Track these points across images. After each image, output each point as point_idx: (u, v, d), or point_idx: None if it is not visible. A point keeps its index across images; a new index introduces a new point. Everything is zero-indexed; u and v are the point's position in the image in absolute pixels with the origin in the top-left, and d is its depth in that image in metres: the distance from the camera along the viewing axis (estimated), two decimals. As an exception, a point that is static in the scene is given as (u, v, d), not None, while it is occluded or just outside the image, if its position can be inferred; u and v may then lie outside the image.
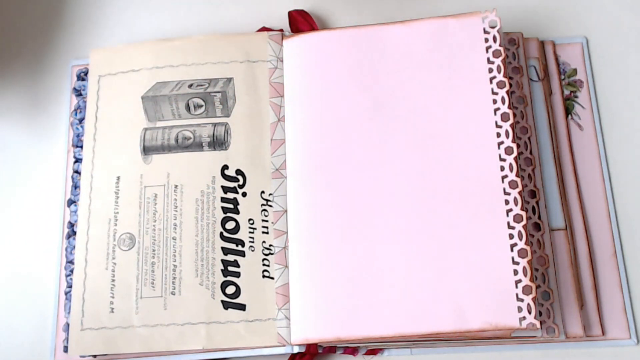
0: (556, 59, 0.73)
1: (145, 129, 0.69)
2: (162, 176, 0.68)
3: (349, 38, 0.69)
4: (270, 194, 0.67)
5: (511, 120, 0.63)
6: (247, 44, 0.71)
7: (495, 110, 0.64)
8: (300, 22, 0.73)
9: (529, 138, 0.68)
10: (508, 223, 0.61)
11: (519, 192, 0.62)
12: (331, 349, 0.65)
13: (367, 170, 0.65)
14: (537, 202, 0.67)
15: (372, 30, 0.69)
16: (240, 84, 0.69)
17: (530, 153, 0.68)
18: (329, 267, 0.63)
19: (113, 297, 0.65)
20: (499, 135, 0.64)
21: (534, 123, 0.69)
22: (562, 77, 0.73)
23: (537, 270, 0.65)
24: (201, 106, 0.69)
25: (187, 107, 0.69)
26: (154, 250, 0.66)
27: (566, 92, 0.72)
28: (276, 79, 0.69)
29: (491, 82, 0.65)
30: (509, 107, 0.64)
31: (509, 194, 0.62)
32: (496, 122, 0.64)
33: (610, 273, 0.67)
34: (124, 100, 0.70)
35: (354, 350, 0.66)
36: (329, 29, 0.71)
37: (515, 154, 0.63)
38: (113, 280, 0.66)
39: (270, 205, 0.66)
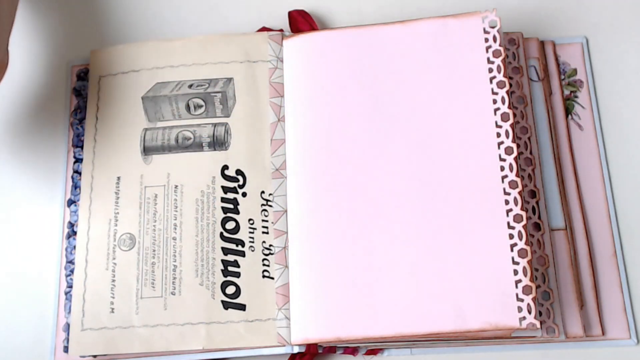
0: (556, 59, 0.73)
1: (146, 129, 0.69)
2: (162, 176, 0.68)
3: (349, 38, 0.69)
4: (270, 194, 0.67)
5: (511, 120, 0.63)
6: (247, 44, 0.71)
7: (495, 110, 0.64)
8: (300, 22, 0.73)
9: (529, 138, 0.68)
10: (508, 223, 0.61)
11: (519, 192, 0.62)
12: (331, 349, 0.65)
13: (367, 170, 0.65)
14: (537, 202, 0.67)
15: (372, 30, 0.69)
16: (240, 84, 0.69)
17: (530, 153, 0.68)
18: (329, 267, 0.63)
19: (113, 298, 0.65)
20: (499, 135, 0.63)
21: (534, 123, 0.69)
22: (562, 77, 0.73)
23: (537, 270, 0.65)
24: (201, 106, 0.69)
25: (187, 108, 0.69)
26: (154, 251, 0.66)
27: (566, 92, 0.72)
28: (276, 79, 0.69)
29: (491, 82, 0.65)
30: (509, 107, 0.64)
31: (509, 194, 0.62)
32: (496, 122, 0.64)
33: (610, 273, 0.67)
34: (124, 100, 0.70)
35: (354, 350, 0.66)
36: (329, 29, 0.71)
37: (515, 154, 0.63)
38: (113, 281, 0.66)
39: (270, 205, 0.66)
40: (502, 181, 0.62)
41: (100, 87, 0.71)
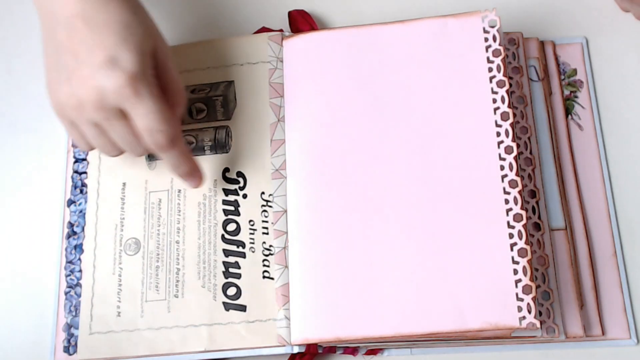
0: (556, 59, 0.73)
1: None
2: (166, 181, 0.68)
3: (349, 38, 0.69)
4: (270, 195, 0.67)
5: (511, 120, 0.63)
6: (248, 46, 0.70)
7: (495, 109, 0.64)
8: (300, 22, 0.73)
9: (529, 138, 0.68)
10: (508, 222, 0.61)
11: (519, 192, 0.62)
12: (331, 349, 0.65)
13: (367, 170, 0.65)
14: (537, 202, 0.67)
15: (372, 29, 0.69)
16: (241, 87, 0.69)
17: (530, 153, 0.68)
18: (328, 267, 0.63)
19: (120, 302, 0.66)
20: (498, 134, 0.63)
21: (534, 123, 0.69)
22: (562, 77, 0.73)
23: (537, 270, 0.65)
24: (203, 110, 0.69)
25: (190, 112, 0.69)
26: (158, 255, 0.66)
27: (566, 92, 0.72)
28: (276, 80, 0.69)
29: (491, 82, 0.65)
30: (509, 107, 0.64)
31: (508, 193, 0.62)
32: (496, 122, 0.64)
33: (610, 273, 0.67)
34: None
35: (354, 350, 0.66)
36: (329, 29, 0.71)
37: (515, 153, 0.62)
38: (120, 285, 0.66)
39: (270, 206, 0.66)
40: (502, 180, 0.62)
41: None
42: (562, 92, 0.72)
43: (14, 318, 0.69)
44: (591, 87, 0.72)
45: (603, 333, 0.65)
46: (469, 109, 0.65)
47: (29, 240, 0.71)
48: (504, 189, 0.62)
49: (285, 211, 0.66)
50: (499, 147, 0.63)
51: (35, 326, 0.68)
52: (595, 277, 0.67)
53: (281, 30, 0.71)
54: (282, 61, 0.70)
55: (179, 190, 0.68)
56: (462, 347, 0.66)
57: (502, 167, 0.63)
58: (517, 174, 0.62)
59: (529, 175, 0.67)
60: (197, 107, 0.69)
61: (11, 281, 0.70)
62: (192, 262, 0.66)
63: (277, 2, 0.76)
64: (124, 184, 0.69)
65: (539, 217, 0.66)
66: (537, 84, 0.71)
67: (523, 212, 0.61)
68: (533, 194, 0.67)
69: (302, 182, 0.66)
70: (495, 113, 0.64)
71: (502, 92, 0.64)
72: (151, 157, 0.69)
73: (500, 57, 0.65)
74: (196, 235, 0.66)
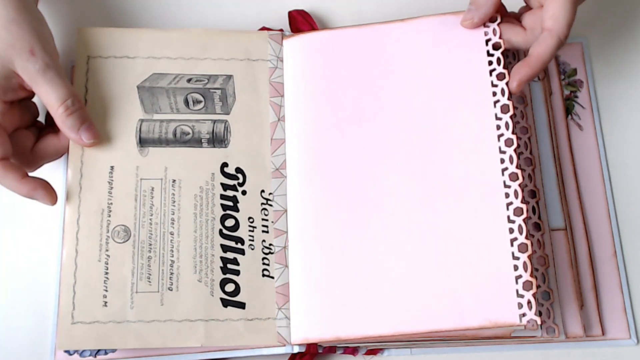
0: (556, 58, 0.73)
1: (142, 120, 0.68)
2: (160, 170, 0.66)
3: (349, 38, 0.69)
4: (270, 194, 0.66)
5: (511, 112, 0.63)
6: (248, 42, 0.70)
7: (495, 102, 0.64)
8: (300, 22, 0.73)
9: (529, 138, 0.68)
10: (508, 217, 0.61)
11: (520, 184, 0.61)
12: (331, 349, 0.65)
13: (367, 169, 0.65)
14: (537, 202, 0.67)
15: (372, 29, 0.69)
16: (240, 82, 0.69)
17: (530, 153, 0.68)
18: (329, 267, 0.63)
19: (106, 291, 0.63)
20: (498, 127, 0.63)
21: (534, 123, 0.69)
22: (562, 77, 0.73)
23: (537, 270, 0.65)
24: (200, 102, 0.68)
25: (186, 102, 0.68)
26: (150, 245, 0.65)
27: (566, 92, 0.72)
28: (276, 79, 0.69)
29: (491, 75, 0.65)
30: (509, 99, 0.63)
31: (509, 186, 0.61)
32: (496, 115, 0.63)
33: (610, 273, 0.67)
34: (117, 86, 0.68)
35: (354, 350, 0.65)
36: (329, 29, 0.71)
37: (515, 145, 0.62)
38: (107, 273, 0.64)
39: (270, 205, 0.66)
40: (502, 174, 0.62)
41: (89, 67, 0.69)
42: (562, 92, 0.72)
43: (15, 317, 0.69)
44: (591, 87, 0.72)
45: (603, 333, 0.65)
46: (469, 103, 0.65)
47: (29, 240, 0.71)
48: (504, 182, 0.61)
49: (286, 211, 0.66)
50: (499, 140, 0.63)
51: (35, 325, 0.68)
52: (595, 277, 0.66)
53: (281, 30, 0.72)
54: (282, 60, 0.70)
55: (174, 181, 0.66)
56: (462, 347, 0.65)
57: (502, 161, 0.62)
58: (517, 167, 0.62)
59: (529, 175, 0.67)
60: (194, 97, 0.68)
61: (11, 281, 0.70)
62: (187, 255, 0.65)
63: (277, 2, 0.77)
64: (112, 167, 0.66)
65: (539, 217, 0.66)
66: (537, 84, 0.71)
67: (524, 206, 0.60)
68: (533, 194, 0.67)
69: (302, 182, 0.66)
70: (495, 106, 0.64)
71: (502, 84, 0.64)
72: (143, 143, 0.67)
73: (500, 50, 0.65)
74: (192, 228, 0.65)
